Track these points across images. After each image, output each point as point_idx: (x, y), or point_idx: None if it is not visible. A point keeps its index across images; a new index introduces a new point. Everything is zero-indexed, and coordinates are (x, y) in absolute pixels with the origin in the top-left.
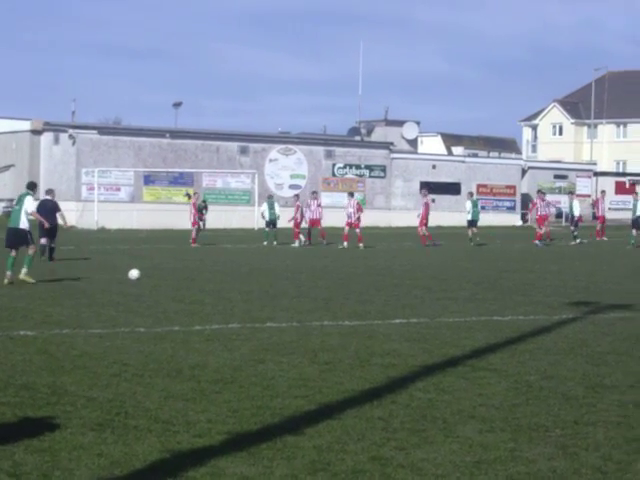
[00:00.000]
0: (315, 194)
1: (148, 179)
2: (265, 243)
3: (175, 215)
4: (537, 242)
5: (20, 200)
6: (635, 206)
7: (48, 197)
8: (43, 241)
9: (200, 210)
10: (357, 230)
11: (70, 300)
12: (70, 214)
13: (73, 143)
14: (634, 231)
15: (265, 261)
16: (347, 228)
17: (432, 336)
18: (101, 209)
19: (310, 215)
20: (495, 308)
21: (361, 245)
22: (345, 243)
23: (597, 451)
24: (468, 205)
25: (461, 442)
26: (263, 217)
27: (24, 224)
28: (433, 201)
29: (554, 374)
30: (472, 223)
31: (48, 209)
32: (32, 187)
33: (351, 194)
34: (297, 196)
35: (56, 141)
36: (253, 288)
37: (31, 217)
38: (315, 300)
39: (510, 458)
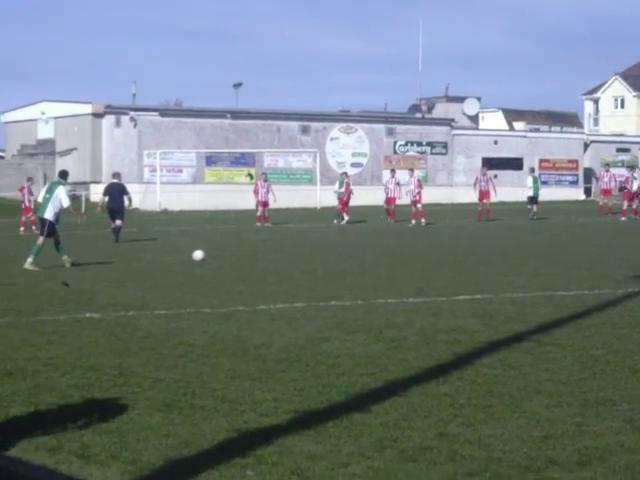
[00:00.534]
0: (393, 172)
1: (210, 160)
2: (335, 221)
3: (237, 195)
4: (623, 218)
5: (51, 189)
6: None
7: (115, 180)
8: (119, 222)
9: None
10: (418, 206)
11: (135, 282)
12: (132, 197)
13: (135, 125)
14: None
15: (328, 239)
16: (413, 206)
17: (497, 312)
18: (163, 191)
19: (388, 193)
20: (559, 283)
21: (423, 221)
22: (413, 221)
23: None
24: (529, 181)
25: (528, 417)
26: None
27: (49, 214)
28: (495, 177)
29: (620, 348)
30: (533, 199)
31: (116, 192)
32: (64, 176)
33: (412, 170)
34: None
35: (118, 124)
36: (317, 267)
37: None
38: (379, 277)
39: (577, 433)
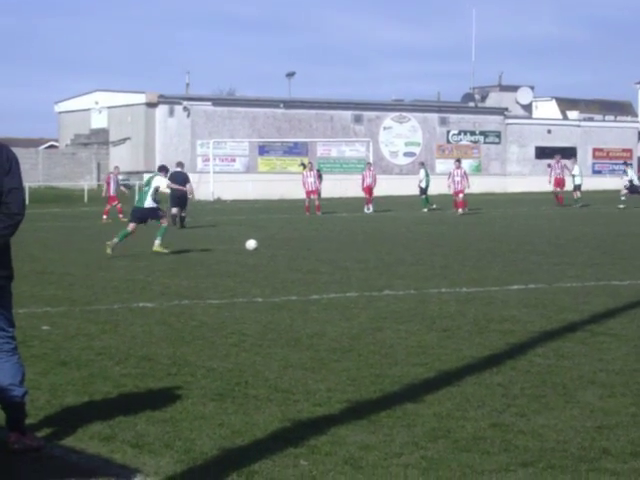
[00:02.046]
0: (458, 162)
1: (263, 149)
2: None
3: (290, 185)
4: None
5: (149, 182)
6: None
7: (178, 169)
8: (174, 211)
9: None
10: (460, 196)
11: (188, 271)
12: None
13: (188, 115)
14: None
15: (381, 229)
16: (456, 196)
17: (550, 302)
18: (217, 180)
19: (454, 186)
20: (613, 272)
21: (460, 211)
22: (460, 210)
23: None
24: (576, 169)
25: (582, 407)
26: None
27: (149, 203)
28: (549, 166)
29: None
30: (578, 187)
31: (179, 181)
32: (164, 170)
33: (459, 161)
34: (370, 164)
35: (171, 113)
36: (369, 256)
37: (166, 190)
38: (432, 267)
39: (632, 423)
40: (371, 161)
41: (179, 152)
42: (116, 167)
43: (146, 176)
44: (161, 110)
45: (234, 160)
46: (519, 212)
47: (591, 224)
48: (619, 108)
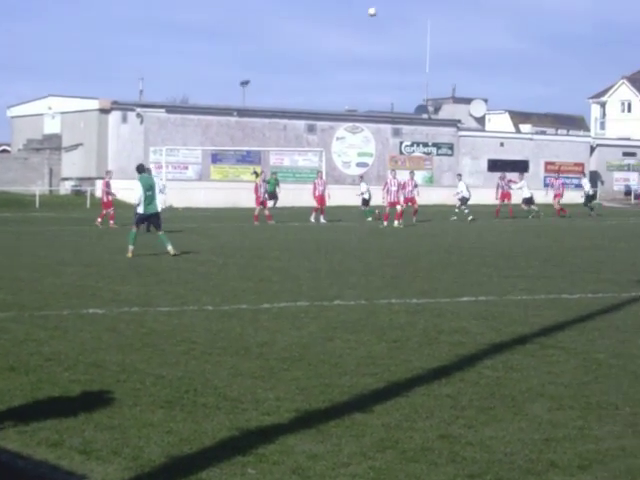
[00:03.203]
0: (394, 173)
1: (216, 157)
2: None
3: (243, 193)
4: None
5: (151, 186)
6: None
7: (146, 175)
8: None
9: (273, 187)
10: (398, 207)
11: (139, 278)
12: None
13: (141, 122)
14: None
15: (333, 239)
16: (414, 206)
17: (500, 314)
18: (169, 188)
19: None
20: (564, 286)
21: (396, 223)
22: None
23: None
24: (523, 183)
25: (530, 420)
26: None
27: (159, 207)
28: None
29: (623, 352)
30: (528, 200)
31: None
32: (144, 169)
33: (412, 173)
34: (320, 173)
35: (124, 120)
36: (321, 266)
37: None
38: (383, 278)
39: (579, 436)
40: (324, 171)
41: (132, 159)
42: (108, 172)
43: (139, 179)
44: (114, 116)
45: (187, 168)
46: (471, 224)
47: (543, 237)
48: (572, 122)
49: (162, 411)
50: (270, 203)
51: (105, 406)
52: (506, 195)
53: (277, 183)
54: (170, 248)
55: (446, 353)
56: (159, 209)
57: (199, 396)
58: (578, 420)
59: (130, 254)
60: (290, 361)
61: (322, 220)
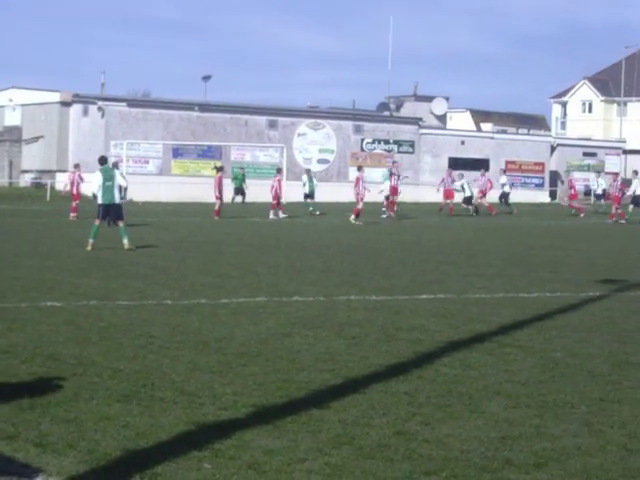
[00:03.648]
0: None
1: (177, 152)
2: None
3: (203, 188)
4: (609, 220)
5: (111, 176)
6: (636, 185)
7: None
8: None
9: (240, 182)
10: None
11: (98, 272)
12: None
13: (102, 115)
14: (631, 207)
15: (293, 235)
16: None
17: (459, 312)
18: (129, 181)
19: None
20: (522, 285)
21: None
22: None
23: (623, 428)
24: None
25: (486, 418)
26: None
27: (118, 199)
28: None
29: (580, 351)
30: (309, 196)
31: None
32: (107, 161)
33: (359, 168)
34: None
35: (85, 113)
36: (280, 262)
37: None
38: (342, 274)
39: (535, 434)
40: (284, 167)
41: (92, 152)
42: (76, 165)
43: (100, 170)
44: (75, 109)
45: (147, 162)
46: (431, 222)
47: (502, 236)
48: (533, 122)
49: (119, 405)
50: (238, 198)
51: (62, 399)
52: (449, 193)
53: (244, 178)
54: (125, 242)
55: (404, 350)
56: (117, 201)
57: (156, 390)
58: (534, 418)
59: (90, 247)
60: (248, 356)
61: (281, 215)
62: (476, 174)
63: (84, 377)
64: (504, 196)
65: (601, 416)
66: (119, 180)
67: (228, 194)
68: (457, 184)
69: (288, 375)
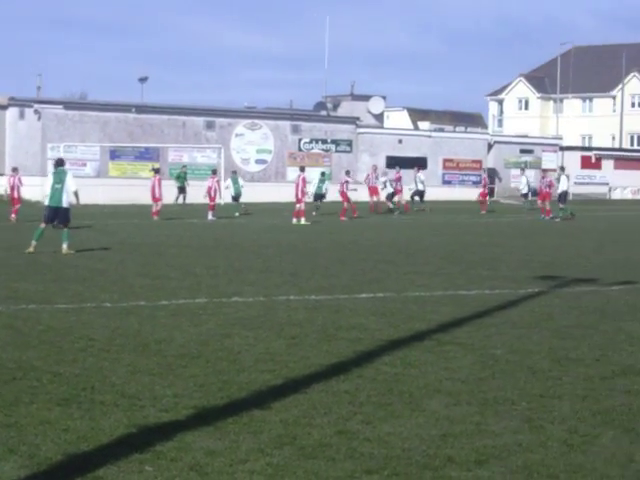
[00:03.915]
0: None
1: (114, 154)
2: (237, 214)
3: (141, 190)
4: (545, 217)
5: (61, 179)
6: (560, 181)
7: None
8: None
9: (182, 181)
10: (298, 205)
11: (36, 275)
12: (35, 189)
13: (39, 118)
14: (560, 205)
15: (232, 236)
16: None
17: (398, 310)
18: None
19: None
20: (461, 282)
21: (302, 220)
22: (302, 219)
23: (563, 424)
24: (229, 182)
25: (427, 416)
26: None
27: (66, 202)
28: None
29: (520, 348)
30: (235, 198)
31: None
32: (64, 163)
33: (302, 169)
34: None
35: (21, 116)
36: (219, 263)
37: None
38: (281, 275)
39: (476, 431)
40: (222, 168)
41: (29, 155)
42: (14, 169)
43: (53, 172)
44: (11, 112)
45: (85, 164)
46: (369, 221)
47: (440, 234)
48: (470, 120)
49: (59, 409)
50: (181, 198)
51: (1, 404)
52: (374, 190)
53: (185, 177)
54: (65, 247)
55: (344, 349)
56: (64, 204)
57: (96, 393)
58: (475, 416)
59: (32, 249)
60: (188, 358)
61: (211, 217)
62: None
63: (24, 381)
64: (418, 194)
65: (541, 412)
66: (69, 184)
67: (170, 195)
68: (381, 180)
69: (229, 376)
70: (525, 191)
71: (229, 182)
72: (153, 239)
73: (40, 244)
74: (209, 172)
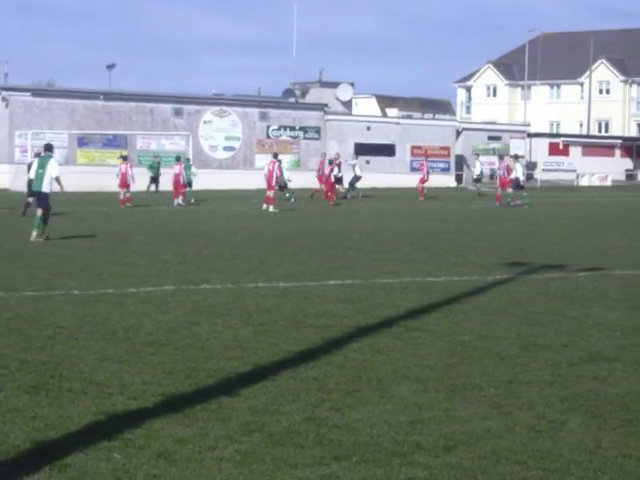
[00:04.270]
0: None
1: (82, 141)
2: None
3: (109, 177)
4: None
5: (43, 164)
6: (516, 169)
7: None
8: (31, 200)
9: (156, 171)
10: (270, 193)
11: (3, 262)
12: (2, 177)
13: (6, 105)
14: (510, 190)
15: (200, 223)
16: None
17: (366, 297)
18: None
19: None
20: (429, 269)
21: (270, 207)
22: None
23: (531, 410)
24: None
25: (396, 402)
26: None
27: (47, 187)
28: (367, 162)
29: (488, 334)
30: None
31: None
32: (51, 149)
33: (275, 155)
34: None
35: None
36: (188, 250)
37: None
38: (250, 262)
39: (445, 418)
40: (190, 155)
41: None
42: None
43: (35, 157)
44: None
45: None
46: (337, 208)
47: (408, 221)
48: (438, 106)
49: (27, 396)
50: (152, 187)
51: None
52: (321, 178)
53: (159, 167)
54: (34, 234)
55: (312, 336)
56: (43, 189)
57: (65, 381)
58: (444, 402)
59: (32, 239)
60: (156, 345)
61: (179, 202)
62: (384, 160)
63: None
64: (355, 179)
65: (509, 398)
66: (50, 169)
67: (141, 183)
68: (350, 163)
69: (197, 363)
70: (476, 176)
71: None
72: (121, 226)
73: (6, 232)
74: (170, 159)
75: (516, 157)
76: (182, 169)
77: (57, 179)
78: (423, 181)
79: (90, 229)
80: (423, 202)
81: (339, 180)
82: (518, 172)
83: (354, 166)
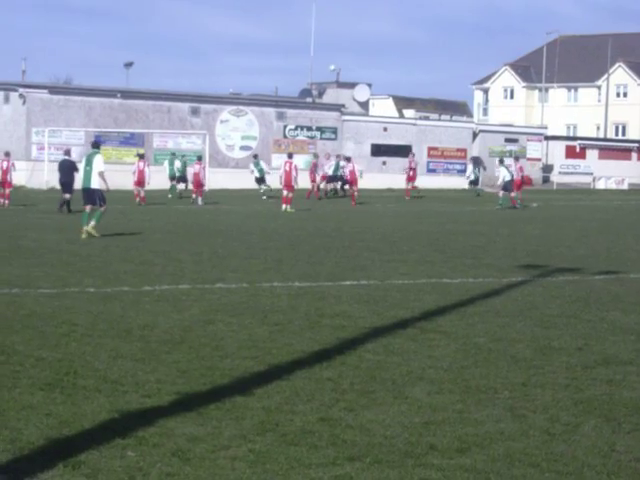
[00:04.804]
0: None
1: (99, 139)
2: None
3: (126, 175)
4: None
5: (90, 161)
6: (502, 172)
7: (67, 157)
8: (67, 196)
9: (182, 171)
10: (286, 192)
11: (20, 260)
12: (20, 174)
13: (23, 102)
14: (501, 193)
15: (215, 222)
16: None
17: (382, 298)
18: (51, 169)
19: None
20: (445, 270)
21: (288, 207)
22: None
23: (545, 413)
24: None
25: (410, 403)
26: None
27: (95, 184)
28: (384, 164)
29: (503, 336)
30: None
31: (67, 167)
32: (99, 146)
33: (290, 155)
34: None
35: (6, 100)
36: (203, 249)
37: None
38: (265, 261)
39: (458, 420)
40: (207, 154)
41: (14, 139)
42: (7, 153)
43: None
44: None
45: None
46: (353, 208)
47: (425, 222)
48: (455, 108)
49: (42, 393)
50: (181, 186)
51: None
52: (315, 177)
53: (185, 166)
54: (85, 228)
55: (327, 336)
56: (92, 185)
57: (79, 378)
58: (457, 404)
59: (84, 235)
60: (171, 344)
61: (198, 202)
62: (401, 161)
63: (6, 366)
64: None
65: (524, 401)
66: (95, 165)
67: (156, 181)
68: (328, 165)
69: (212, 362)
70: (472, 178)
71: (252, 167)
72: (137, 224)
73: (18, 229)
74: (194, 159)
75: (501, 162)
76: (202, 168)
77: (101, 174)
78: (410, 179)
79: (106, 227)
80: (409, 202)
81: (331, 178)
82: (504, 175)
83: (343, 168)
